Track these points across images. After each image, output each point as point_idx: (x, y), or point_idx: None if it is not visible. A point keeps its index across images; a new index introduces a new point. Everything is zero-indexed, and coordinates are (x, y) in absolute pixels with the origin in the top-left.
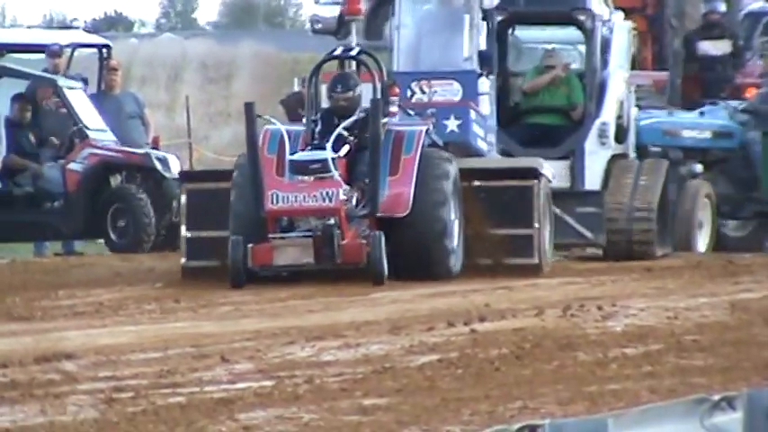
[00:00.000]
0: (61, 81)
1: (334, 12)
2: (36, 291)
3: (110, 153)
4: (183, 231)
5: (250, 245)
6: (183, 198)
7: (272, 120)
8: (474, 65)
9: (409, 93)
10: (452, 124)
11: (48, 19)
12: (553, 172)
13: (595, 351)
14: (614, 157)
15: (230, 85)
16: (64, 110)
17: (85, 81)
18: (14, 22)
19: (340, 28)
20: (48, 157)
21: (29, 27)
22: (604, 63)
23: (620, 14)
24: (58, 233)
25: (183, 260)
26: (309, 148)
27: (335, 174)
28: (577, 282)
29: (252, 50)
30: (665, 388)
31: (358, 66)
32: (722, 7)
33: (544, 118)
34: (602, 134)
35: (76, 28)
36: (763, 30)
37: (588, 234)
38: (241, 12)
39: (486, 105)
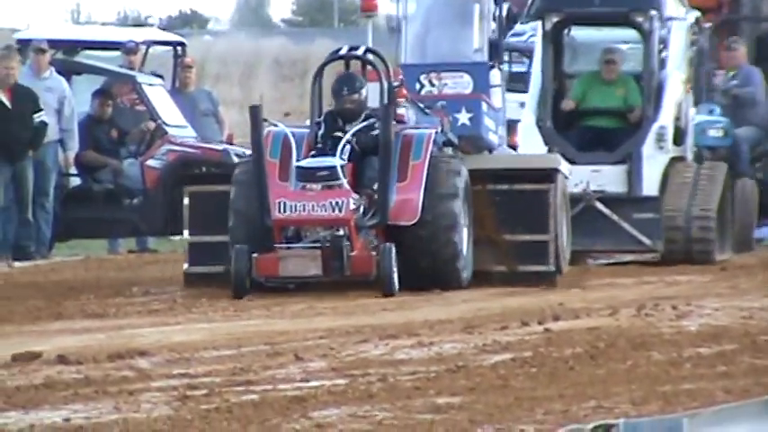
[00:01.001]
0: (140, 77)
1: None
2: (109, 288)
3: (189, 149)
4: (186, 235)
5: (255, 254)
6: (186, 201)
7: (278, 123)
8: (485, 56)
9: (418, 86)
10: (463, 117)
11: (122, 16)
12: (570, 168)
13: (670, 350)
14: (672, 161)
15: (304, 82)
16: (140, 107)
17: (162, 78)
18: (89, 20)
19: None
20: (126, 153)
21: (104, 24)
22: (662, 64)
23: (696, 14)
24: (136, 230)
25: (185, 265)
26: (313, 153)
27: (344, 182)
28: (651, 281)
29: (326, 48)
30: (740, 388)
31: (363, 66)
32: None
33: (600, 121)
34: (660, 138)
35: (151, 25)
36: None
37: (646, 240)
38: (315, 10)
39: (499, 98)
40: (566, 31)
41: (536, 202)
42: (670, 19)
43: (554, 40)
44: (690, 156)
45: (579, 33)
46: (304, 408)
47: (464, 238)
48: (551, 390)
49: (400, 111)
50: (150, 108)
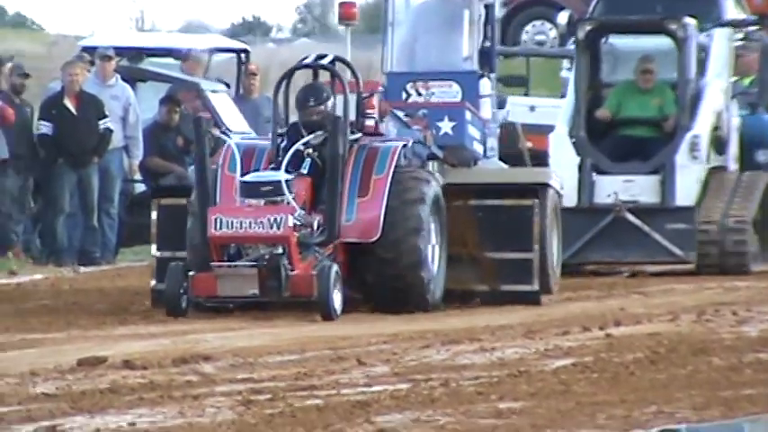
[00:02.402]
0: (204, 84)
1: None
2: None
3: None
4: (153, 251)
5: (191, 272)
6: (154, 215)
7: (230, 135)
8: (474, 65)
9: (404, 95)
10: (446, 126)
11: (186, 24)
12: (562, 183)
13: (730, 356)
14: (712, 170)
15: None
16: (205, 113)
17: (227, 85)
18: (153, 28)
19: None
20: (191, 160)
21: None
22: (702, 72)
23: (757, 26)
24: None
25: (152, 282)
26: (273, 166)
27: (288, 197)
28: (711, 287)
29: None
30: None
31: (333, 76)
32: None
33: (635, 130)
34: (694, 147)
35: (215, 33)
36: None
37: (678, 252)
38: (376, 17)
39: (488, 108)
40: (603, 39)
41: (520, 219)
42: (712, 27)
43: (590, 49)
44: (733, 165)
45: (621, 42)
46: (367, 412)
47: (433, 258)
48: (612, 395)
49: (369, 122)
50: (214, 115)
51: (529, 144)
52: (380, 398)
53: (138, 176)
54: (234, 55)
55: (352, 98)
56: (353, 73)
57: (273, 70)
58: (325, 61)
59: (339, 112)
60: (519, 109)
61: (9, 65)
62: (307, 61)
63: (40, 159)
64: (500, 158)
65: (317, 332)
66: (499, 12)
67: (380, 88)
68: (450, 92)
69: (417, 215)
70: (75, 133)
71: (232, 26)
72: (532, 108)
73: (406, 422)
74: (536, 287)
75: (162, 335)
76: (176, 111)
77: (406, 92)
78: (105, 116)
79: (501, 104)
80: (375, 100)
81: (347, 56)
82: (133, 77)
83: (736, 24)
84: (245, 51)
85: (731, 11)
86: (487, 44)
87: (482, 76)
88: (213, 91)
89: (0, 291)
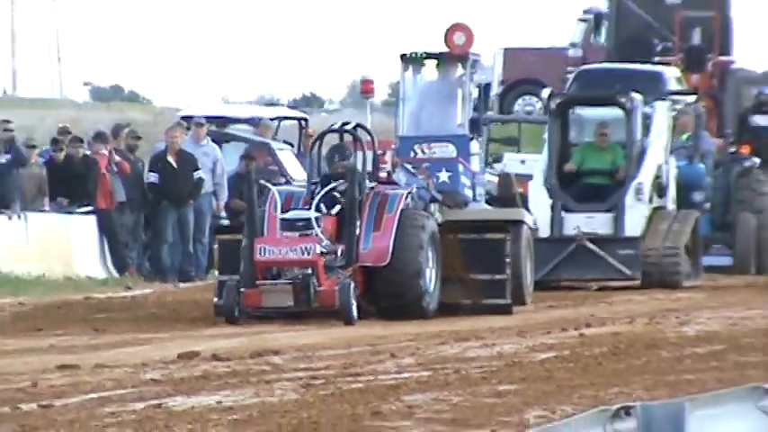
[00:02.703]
0: (273, 144)
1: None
2: None
3: None
4: (217, 275)
5: (242, 289)
6: (216, 247)
7: (268, 185)
8: (466, 130)
9: (412, 153)
10: (444, 176)
11: (259, 97)
12: (535, 219)
13: (674, 350)
14: (656, 209)
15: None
16: (273, 166)
17: (291, 145)
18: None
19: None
20: (262, 201)
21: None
22: (646, 134)
23: (694, 96)
24: None
25: (215, 299)
26: (307, 207)
27: (317, 230)
28: (660, 298)
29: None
30: (728, 378)
31: (354, 138)
32: None
33: (594, 179)
34: (639, 192)
35: (282, 105)
36: None
37: (627, 271)
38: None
39: (477, 163)
40: (570, 110)
41: (496, 248)
42: (654, 100)
43: (561, 117)
44: (671, 205)
45: (584, 112)
46: (398, 393)
47: (430, 275)
48: (584, 380)
49: (383, 174)
50: (281, 167)
51: (521, 189)
52: (408, 382)
53: (223, 214)
54: (296, 122)
55: (370, 155)
56: (370, 135)
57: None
58: (348, 127)
59: (359, 166)
60: (512, 162)
61: (126, 130)
62: (334, 127)
63: (149, 201)
64: (496, 200)
65: (359, 333)
66: (498, 88)
67: (393, 146)
68: (447, 150)
69: (418, 241)
70: (176, 181)
71: (294, 100)
72: (523, 161)
73: (428, 401)
74: (509, 301)
75: (241, 335)
76: (252, 164)
77: (414, 150)
78: (198, 168)
79: (498, 159)
80: (388, 156)
81: (368, 122)
82: (220, 139)
83: (676, 94)
84: (305, 119)
85: (674, 86)
86: (475, 114)
87: (472, 138)
88: (280, 149)
89: (119, 302)
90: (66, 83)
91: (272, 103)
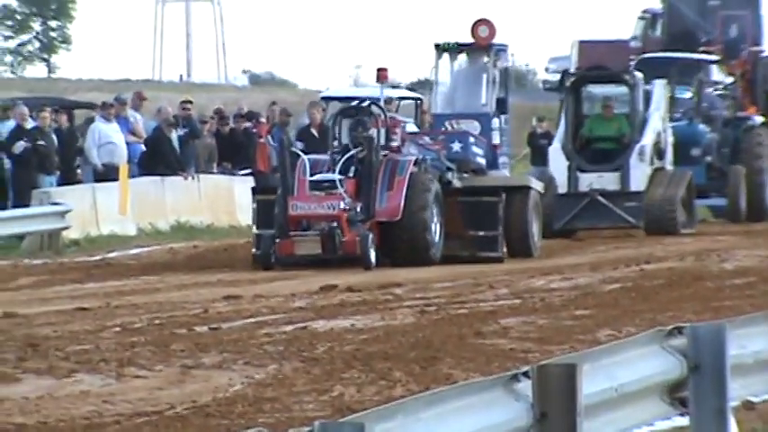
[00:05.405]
0: (399, 118)
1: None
2: None
3: None
4: (254, 229)
5: (277, 239)
6: (254, 205)
7: (299, 152)
8: (489, 108)
9: (443, 128)
10: (456, 146)
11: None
12: (541, 184)
13: (716, 282)
14: (656, 170)
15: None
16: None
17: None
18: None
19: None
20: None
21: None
22: (647, 107)
23: (731, 78)
24: None
25: (253, 250)
26: (330, 171)
27: (340, 190)
28: (704, 240)
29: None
30: (759, 304)
31: (369, 113)
32: None
33: (603, 144)
34: (641, 153)
35: (401, 87)
36: None
37: (632, 220)
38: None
39: (497, 137)
40: (583, 87)
41: (490, 209)
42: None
43: (575, 93)
44: (669, 167)
45: (595, 88)
46: (495, 317)
47: (435, 229)
48: (644, 306)
49: (394, 144)
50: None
51: None
52: (503, 308)
53: None
54: (413, 102)
55: (384, 130)
56: (384, 113)
57: None
58: (364, 104)
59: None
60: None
61: (277, 108)
62: (352, 104)
63: None
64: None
65: (463, 269)
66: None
67: (403, 124)
68: (472, 126)
69: (425, 201)
70: (317, 149)
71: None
72: None
73: (519, 323)
74: (500, 254)
75: (370, 274)
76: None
77: (445, 126)
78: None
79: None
80: (398, 131)
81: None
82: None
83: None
84: (420, 99)
85: (716, 73)
86: (502, 95)
87: (494, 116)
88: (406, 122)
89: None
90: (230, 70)
91: (394, 86)
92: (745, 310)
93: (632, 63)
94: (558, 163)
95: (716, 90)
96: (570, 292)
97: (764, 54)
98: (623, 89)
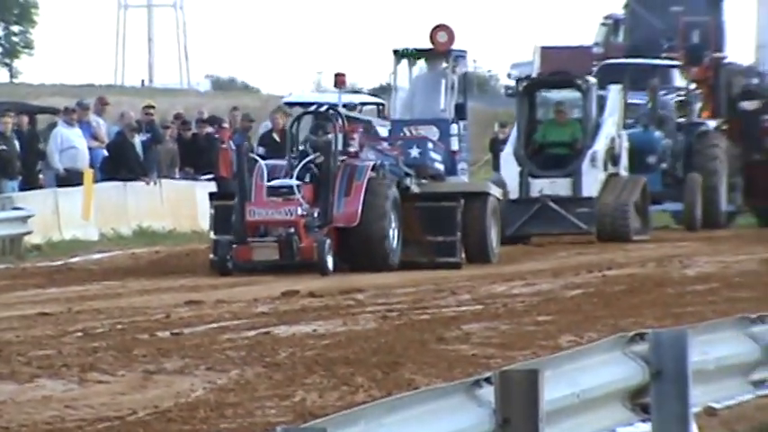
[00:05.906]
0: (374, 121)
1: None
2: None
3: None
4: (212, 235)
5: (234, 245)
6: (212, 211)
7: (257, 157)
8: (448, 114)
9: (402, 134)
10: (414, 152)
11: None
12: (500, 191)
13: (678, 288)
14: (610, 176)
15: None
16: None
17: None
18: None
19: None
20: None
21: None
22: (600, 112)
23: (693, 85)
24: None
25: (211, 255)
26: (289, 176)
27: (298, 195)
28: (666, 246)
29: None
30: (721, 310)
31: (327, 118)
32: (755, 81)
33: (556, 149)
34: (593, 159)
35: (363, 92)
36: None
37: (584, 226)
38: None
39: (456, 143)
40: (535, 92)
41: (448, 215)
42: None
43: (528, 97)
44: (624, 172)
45: (548, 93)
46: (457, 322)
47: (393, 235)
48: (606, 312)
49: (351, 150)
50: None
51: None
52: (465, 314)
53: None
54: (374, 107)
55: (341, 135)
56: (341, 118)
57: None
58: (322, 110)
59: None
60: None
61: (239, 113)
62: (310, 109)
63: None
64: None
65: (425, 275)
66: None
67: (360, 129)
68: (431, 132)
69: (382, 206)
70: (280, 154)
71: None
72: None
73: (481, 329)
74: (458, 259)
75: (331, 279)
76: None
77: (404, 132)
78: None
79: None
80: (356, 136)
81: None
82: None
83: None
84: (382, 104)
85: (678, 80)
86: (461, 101)
87: (453, 122)
88: (381, 125)
89: None
90: (192, 75)
91: (355, 91)
92: (706, 316)
93: (594, 69)
94: (509, 169)
95: (678, 96)
96: (532, 297)
97: (727, 60)
98: (578, 94)
